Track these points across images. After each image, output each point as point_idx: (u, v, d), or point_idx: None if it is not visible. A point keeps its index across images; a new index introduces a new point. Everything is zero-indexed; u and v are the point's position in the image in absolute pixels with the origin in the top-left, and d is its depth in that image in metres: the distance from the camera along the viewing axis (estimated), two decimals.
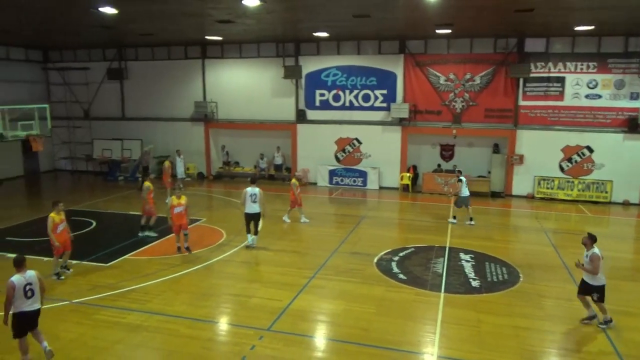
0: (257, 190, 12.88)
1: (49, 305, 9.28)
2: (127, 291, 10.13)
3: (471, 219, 15.71)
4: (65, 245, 10.91)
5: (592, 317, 8.87)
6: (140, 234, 13.80)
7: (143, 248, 12.96)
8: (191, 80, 23.38)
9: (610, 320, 8.70)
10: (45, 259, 11.88)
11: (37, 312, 7.32)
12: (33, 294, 7.20)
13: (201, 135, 23.60)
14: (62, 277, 10.90)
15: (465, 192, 15.63)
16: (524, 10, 13.26)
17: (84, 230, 14.62)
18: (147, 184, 13.95)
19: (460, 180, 15.78)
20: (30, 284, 7.17)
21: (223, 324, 8.90)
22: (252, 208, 12.79)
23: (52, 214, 10.66)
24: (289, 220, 15.76)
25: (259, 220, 13.14)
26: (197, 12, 14.02)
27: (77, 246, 12.76)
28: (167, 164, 18.72)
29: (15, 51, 23.68)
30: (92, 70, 24.59)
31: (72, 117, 25.41)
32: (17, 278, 7.12)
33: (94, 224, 15.41)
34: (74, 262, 11.69)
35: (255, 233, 13.08)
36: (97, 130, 25.12)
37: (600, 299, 8.67)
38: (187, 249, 12.49)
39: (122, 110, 24.80)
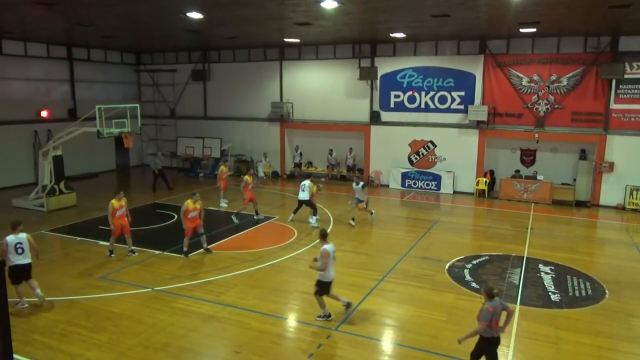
0: (307, 182, 15.35)
1: (134, 291, 10.00)
2: (203, 282, 10.66)
3: (353, 219, 15.60)
4: (123, 228, 12.23)
5: (327, 316, 8.86)
6: None
7: (219, 242, 13.56)
8: (269, 81, 24.09)
9: (329, 315, 8.80)
10: (135, 248, 12.86)
11: (28, 266, 9.26)
12: (23, 251, 9.15)
13: (277, 135, 24.25)
14: (113, 255, 12.26)
15: (361, 197, 15.67)
16: (620, 6, 12.31)
17: (167, 223, 15.56)
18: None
19: (358, 184, 15.79)
20: (20, 243, 9.13)
21: (292, 321, 9.10)
22: (301, 195, 15.34)
23: (112, 201, 12.13)
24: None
25: (309, 205, 15.40)
26: (277, 16, 14.44)
27: (161, 237, 13.64)
28: (223, 168, 18.06)
29: (112, 55, 25.73)
30: (178, 72, 26.13)
31: (159, 115, 27.15)
32: (10, 237, 9.11)
33: (176, 217, 16.33)
34: (157, 252, 12.51)
35: (314, 214, 15.46)
36: (182, 128, 26.63)
37: (319, 292, 8.75)
38: (208, 249, 12.59)
39: (204, 110, 26.10)
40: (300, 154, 24.23)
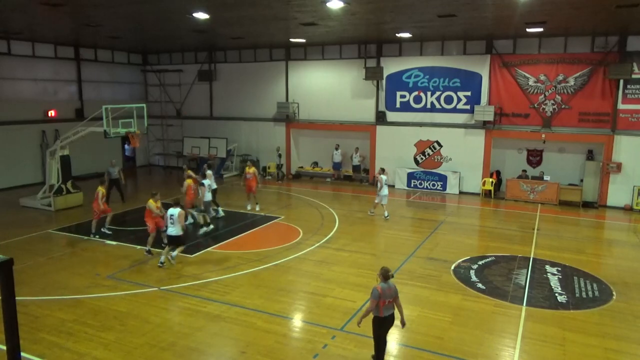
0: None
1: (140, 290, 10.06)
2: (208, 282, 10.70)
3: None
4: (105, 210, 14.04)
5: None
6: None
7: (224, 242, 13.61)
8: (275, 81, 24.13)
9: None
10: (138, 247, 12.93)
11: None
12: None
13: (282, 135, 24.27)
14: (97, 237, 13.78)
15: (207, 196, 14.68)
16: (628, 5, 12.22)
17: None
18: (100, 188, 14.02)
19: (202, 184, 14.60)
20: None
21: (297, 321, 9.11)
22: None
23: (100, 188, 13.85)
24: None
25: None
26: (282, 16, 14.46)
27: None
28: (189, 182, 14.86)
29: (119, 55, 25.87)
30: (184, 72, 26.22)
31: (165, 115, 27.25)
32: None
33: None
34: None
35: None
36: (188, 128, 26.73)
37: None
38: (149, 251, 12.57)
39: (211, 110, 26.18)
40: (280, 155, 24.04)
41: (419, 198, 20.15)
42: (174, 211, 11.46)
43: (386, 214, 16.21)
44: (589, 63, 18.21)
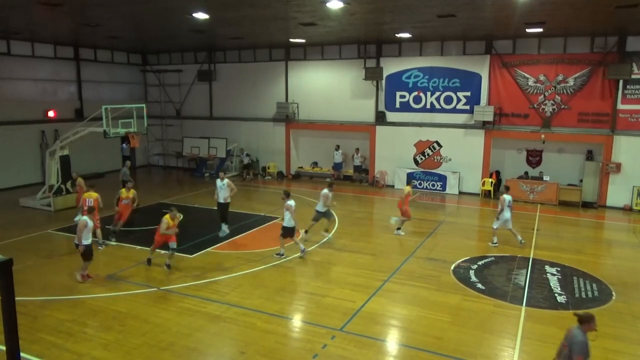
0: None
1: (140, 291, 10.05)
2: (208, 282, 10.69)
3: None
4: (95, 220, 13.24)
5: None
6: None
7: (224, 242, 13.61)
8: (274, 81, 24.13)
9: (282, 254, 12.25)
10: (138, 247, 12.93)
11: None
12: None
13: (282, 136, 24.28)
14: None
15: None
16: (627, 5, 12.23)
17: None
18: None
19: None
20: None
21: (297, 321, 9.10)
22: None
23: (94, 193, 13.28)
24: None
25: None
26: (282, 16, 14.46)
27: None
28: (80, 180, 15.67)
29: (119, 55, 25.87)
30: (184, 72, 26.22)
31: (165, 116, 27.25)
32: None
33: (181, 217, 16.35)
34: (162, 252, 12.54)
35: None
36: (187, 128, 26.73)
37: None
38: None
39: (210, 110, 26.18)
40: (247, 154, 23.97)
41: (418, 198, 20.13)
42: (292, 202, 12.32)
43: (520, 238, 13.47)
44: (589, 63, 18.22)
